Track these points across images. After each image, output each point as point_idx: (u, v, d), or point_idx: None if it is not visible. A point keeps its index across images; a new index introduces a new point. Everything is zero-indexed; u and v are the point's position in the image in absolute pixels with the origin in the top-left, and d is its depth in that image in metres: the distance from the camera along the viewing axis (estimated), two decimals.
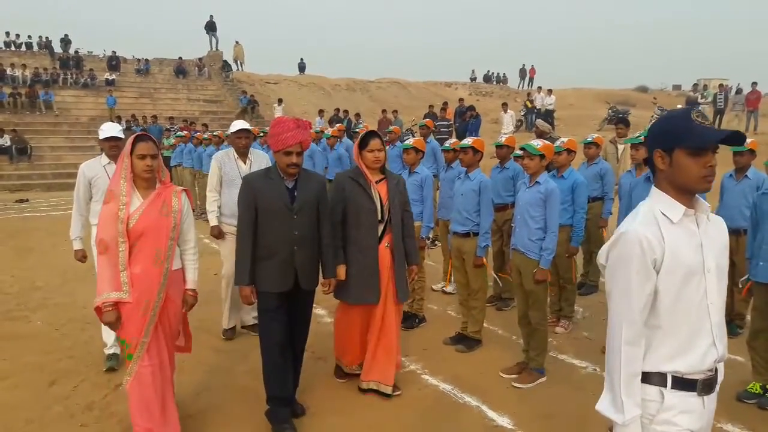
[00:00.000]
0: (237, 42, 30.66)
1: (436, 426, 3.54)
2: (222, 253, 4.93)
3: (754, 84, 18.19)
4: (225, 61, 29.20)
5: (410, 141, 5.31)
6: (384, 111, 18.96)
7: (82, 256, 4.26)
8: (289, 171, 3.33)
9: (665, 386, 1.69)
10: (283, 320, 3.41)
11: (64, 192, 14.85)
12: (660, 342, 1.69)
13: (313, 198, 3.45)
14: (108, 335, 4.19)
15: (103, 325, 3.33)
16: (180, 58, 29.32)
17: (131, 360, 3.01)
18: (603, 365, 4.35)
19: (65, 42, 29.29)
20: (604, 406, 1.74)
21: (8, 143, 18.58)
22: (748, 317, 4.57)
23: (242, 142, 4.76)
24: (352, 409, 3.71)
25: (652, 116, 17.91)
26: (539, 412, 3.66)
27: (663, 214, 1.70)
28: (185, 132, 14.05)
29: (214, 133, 11.44)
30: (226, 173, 4.74)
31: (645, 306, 1.68)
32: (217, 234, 4.84)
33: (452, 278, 5.81)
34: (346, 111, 19.85)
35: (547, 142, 4.22)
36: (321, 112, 20.49)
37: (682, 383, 1.69)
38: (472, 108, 17.44)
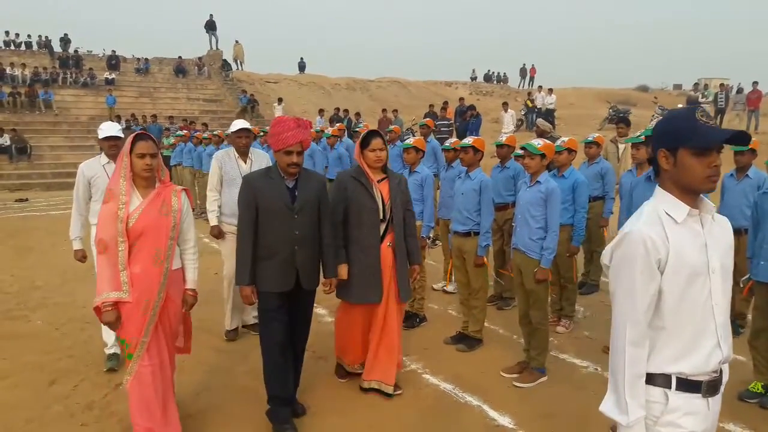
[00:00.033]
0: (237, 41, 30.68)
1: (436, 425, 3.53)
2: (223, 253, 4.92)
3: (755, 83, 18.21)
4: (225, 61, 29.18)
5: (410, 140, 5.31)
6: (384, 110, 18.94)
7: (82, 256, 4.25)
8: (289, 170, 3.32)
9: (669, 388, 1.68)
10: (284, 320, 3.40)
11: (64, 191, 14.84)
12: (664, 343, 1.68)
13: (314, 197, 3.44)
14: (108, 335, 4.18)
15: (102, 325, 3.31)
16: (180, 57, 29.32)
17: (131, 359, 3.01)
18: (604, 365, 4.36)
19: (65, 41, 29.27)
20: (608, 407, 1.73)
21: (8, 143, 18.57)
22: (750, 317, 4.56)
23: (243, 142, 4.75)
24: (353, 409, 3.71)
25: (653, 115, 17.91)
26: (540, 411, 3.65)
27: (667, 214, 1.69)
28: (185, 131, 14.04)
29: (214, 133, 11.44)
30: (227, 172, 4.73)
31: (649, 306, 1.66)
32: (217, 234, 4.83)
33: (453, 277, 5.81)
34: (346, 110, 19.83)
35: (547, 141, 4.21)
36: (321, 111, 20.48)
37: (687, 385, 1.68)
38: (472, 107, 17.43)
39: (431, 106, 19.12)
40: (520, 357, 4.28)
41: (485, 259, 4.53)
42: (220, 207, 4.78)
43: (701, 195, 1.72)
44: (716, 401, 1.74)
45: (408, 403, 3.79)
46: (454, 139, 6.40)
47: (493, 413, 3.64)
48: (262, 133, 9.74)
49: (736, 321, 4.87)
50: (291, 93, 28.36)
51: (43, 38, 29.11)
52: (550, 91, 20.82)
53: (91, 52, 30.01)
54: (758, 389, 3.74)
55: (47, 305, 5.97)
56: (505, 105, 18.82)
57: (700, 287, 1.67)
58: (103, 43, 55.63)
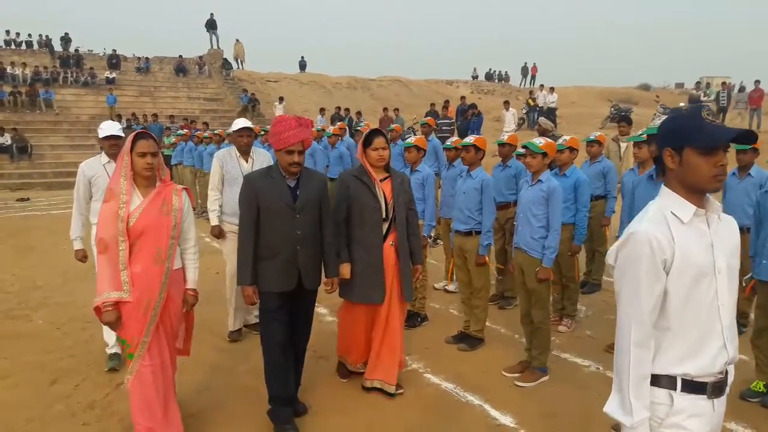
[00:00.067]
0: (237, 40, 30.67)
1: (438, 425, 3.52)
2: (224, 252, 4.91)
3: (757, 82, 18.18)
4: (225, 60, 29.19)
5: (412, 139, 5.30)
6: (385, 109, 18.92)
7: (83, 256, 4.24)
8: (291, 170, 3.31)
9: (675, 389, 1.67)
10: (285, 320, 3.39)
11: (65, 191, 14.85)
12: (669, 344, 1.67)
13: (315, 197, 3.43)
14: (109, 335, 4.17)
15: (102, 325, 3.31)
16: (180, 56, 29.32)
17: (132, 359, 3.00)
18: (606, 364, 4.36)
19: (65, 40, 29.29)
20: (612, 408, 1.71)
21: (9, 142, 18.57)
22: (752, 315, 4.55)
23: (244, 141, 4.74)
24: (354, 408, 3.70)
25: (655, 114, 17.90)
26: (542, 410, 3.64)
27: (673, 213, 1.68)
28: (186, 130, 14.05)
29: (215, 132, 11.44)
30: (228, 172, 4.72)
31: (654, 307, 1.65)
32: (218, 234, 4.83)
33: (454, 277, 5.80)
34: (347, 109, 19.83)
35: (549, 140, 4.20)
36: (322, 110, 20.47)
37: (692, 386, 1.66)
38: (473, 106, 17.42)
39: (432, 104, 19.13)
40: (521, 356, 4.27)
41: (487, 259, 4.52)
42: (221, 206, 4.78)
43: (707, 194, 1.71)
44: (721, 402, 1.72)
45: (409, 402, 3.79)
46: (455, 138, 6.39)
47: (494, 413, 3.64)
48: (263, 132, 9.73)
49: (739, 320, 4.86)
50: (292, 92, 28.35)
51: (44, 37, 29.13)
52: (552, 89, 20.81)
53: (92, 51, 30.06)
54: (760, 388, 3.73)
55: (48, 305, 5.97)
56: (506, 104, 18.81)
57: (707, 288, 1.66)
58: (104, 43, 55.88)
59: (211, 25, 28.99)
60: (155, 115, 20.14)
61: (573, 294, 5.14)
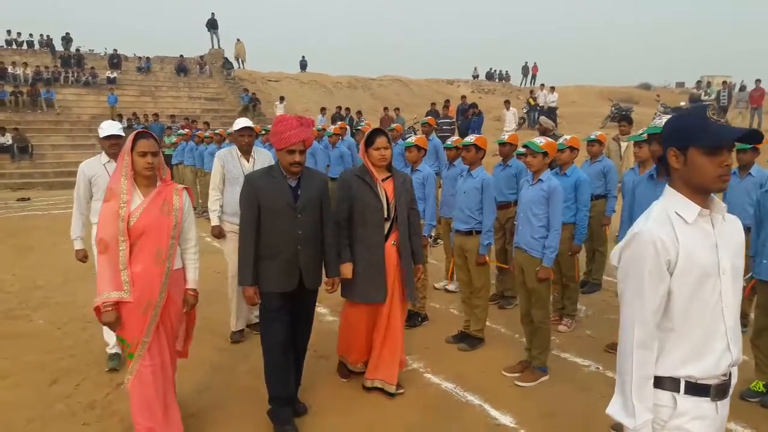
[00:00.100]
0: (238, 40, 30.68)
1: (438, 425, 3.52)
2: (225, 252, 4.90)
3: (758, 81, 18.15)
4: (226, 59, 29.19)
5: (412, 139, 5.30)
6: (386, 108, 18.92)
7: (84, 256, 4.24)
8: (292, 169, 3.31)
9: (678, 391, 1.65)
10: (286, 320, 3.39)
11: (66, 190, 14.84)
12: (673, 345, 1.66)
13: (316, 196, 3.42)
14: (109, 335, 4.17)
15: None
16: (181, 56, 29.34)
17: (132, 359, 3.00)
18: (606, 364, 4.35)
19: (66, 40, 29.30)
20: (615, 409, 1.70)
21: (10, 142, 18.58)
22: (752, 315, 4.55)
23: (245, 140, 4.74)
24: (354, 408, 3.70)
25: (656, 113, 17.87)
26: (542, 410, 3.64)
27: (677, 214, 1.66)
28: (186, 130, 14.05)
29: (216, 131, 11.45)
30: (229, 171, 4.71)
31: (658, 308, 1.64)
32: (218, 234, 4.82)
33: (454, 276, 5.80)
34: (347, 109, 19.83)
35: (549, 139, 4.20)
36: (323, 109, 20.46)
37: (696, 388, 1.65)
38: (474, 105, 17.40)
39: (433, 104, 19.11)
40: (521, 356, 4.27)
41: (487, 258, 4.52)
42: (221, 206, 4.77)
43: (711, 194, 1.69)
44: (724, 405, 1.71)
45: (409, 402, 3.79)
46: (456, 138, 6.38)
47: (494, 412, 3.64)
48: (263, 132, 9.74)
49: (741, 320, 4.85)
50: (293, 91, 28.34)
51: (45, 37, 29.14)
52: (552, 89, 20.79)
53: (93, 51, 30.07)
54: (760, 388, 3.73)
55: (49, 305, 5.97)
56: (507, 103, 18.81)
57: (711, 289, 1.64)
58: (105, 42, 55.91)
59: (212, 25, 29.00)
60: (156, 115, 20.15)
61: (573, 293, 5.14)
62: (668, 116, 3.52)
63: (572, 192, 4.86)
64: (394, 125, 9.95)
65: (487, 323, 4.77)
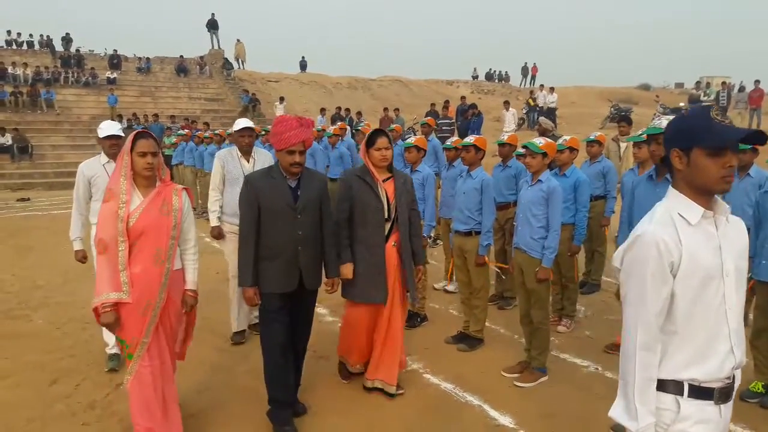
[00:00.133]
0: (238, 40, 30.69)
1: (437, 425, 3.53)
2: (226, 253, 4.89)
3: (757, 82, 18.17)
4: (226, 60, 29.19)
5: (412, 139, 5.31)
6: (385, 109, 18.93)
7: (83, 257, 4.23)
8: (292, 170, 3.31)
9: (681, 395, 1.64)
10: (285, 321, 3.39)
11: (66, 191, 14.83)
12: (676, 348, 1.64)
13: (316, 197, 3.43)
14: (109, 335, 4.16)
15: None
16: (181, 56, 29.33)
17: (131, 360, 3.00)
18: (605, 364, 4.35)
19: (66, 41, 29.30)
20: (617, 412, 1.68)
21: (10, 142, 18.58)
22: (751, 316, 4.55)
23: (246, 141, 4.74)
24: (354, 409, 3.70)
25: (655, 114, 17.87)
26: (541, 411, 3.65)
27: (680, 215, 1.65)
28: (186, 130, 14.06)
29: (215, 132, 11.45)
30: (230, 171, 4.71)
31: (661, 310, 1.62)
32: (217, 235, 4.82)
33: (454, 277, 5.81)
34: (347, 109, 19.84)
35: (549, 140, 4.20)
36: (323, 110, 20.46)
37: (699, 392, 1.63)
38: (474, 106, 17.41)
39: (433, 104, 19.12)
40: (521, 356, 4.28)
41: (486, 259, 4.52)
42: (221, 207, 4.77)
43: (715, 196, 1.68)
44: (728, 408, 1.69)
45: (409, 402, 3.79)
46: (455, 138, 6.39)
47: (493, 413, 3.64)
48: (263, 133, 9.74)
49: None
50: (292, 92, 28.35)
51: (45, 38, 29.14)
52: (552, 89, 20.80)
53: (93, 51, 30.08)
54: (759, 389, 3.74)
55: (48, 305, 5.97)
56: (506, 104, 18.80)
57: (714, 291, 1.63)
58: (105, 43, 55.93)
59: (212, 25, 29.01)
60: (156, 116, 20.14)
61: (572, 294, 5.15)
62: (667, 117, 3.53)
63: (571, 193, 4.87)
64: (393, 126, 9.96)
65: (487, 324, 4.78)
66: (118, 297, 2.88)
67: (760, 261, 3.79)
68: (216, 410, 3.69)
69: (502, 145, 5.61)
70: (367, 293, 3.71)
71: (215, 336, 4.91)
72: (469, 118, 16.66)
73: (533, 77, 33.65)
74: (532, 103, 20.96)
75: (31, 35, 29.34)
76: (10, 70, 23.00)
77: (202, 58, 29.52)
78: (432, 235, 6.06)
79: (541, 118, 10.10)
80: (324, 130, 10.36)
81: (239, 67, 30.26)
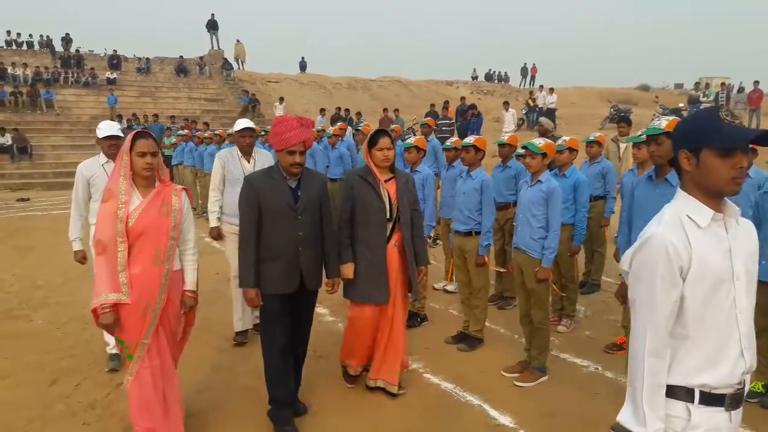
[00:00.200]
0: (238, 41, 30.70)
1: (437, 425, 3.53)
2: (226, 253, 4.88)
3: (756, 83, 18.19)
4: (226, 60, 29.20)
5: (412, 140, 5.31)
6: (385, 110, 18.95)
7: (82, 257, 4.22)
8: (292, 170, 3.30)
9: (692, 402, 1.60)
10: (286, 321, 3.39)
11: (65, 191, 14.83)
12: (687, 353, 1.61)
13: (316, 197, 3.42)
14: (109, 335, 4.17)
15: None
16: (181, 56, 29.33)
17: (131, 360, 2.99)
18: (605, 364, 4.35)
19: (66, 41, 29.31)
20: (625, 417, 1.65)
21: (9, 142, 18.58)
22: None
23: (246, 141, 4.73)
24: (354, 408, 3.71)
25: (654, 115, 17.89)
26: (541, 410, 3.65)
27: (690, 218, 1.61)
28: (186, 131, 14.06)
29: (215, 132, 11.46)
30: (230, 172, 4.70)
31: (670, 314, 1.59)
32: (216, 236, 4.81)
33: (454, 277, 5.81)
34: (347, 110, 19.84)
35: (549, 140, 4.21)
36: (322, 110, 20.48)
37: (710, 398, 1.60)
38: (473, 106, 17.43)
39: (432, 105, 19.14)
40: (521, 356, 4.28)
41: (486, 259, 4.53)
42: (221, 207, 4.77)
43: (725, 198, 1.65)
44: (738, 414, 1.66)
45: (409, 402, 3.79)
46: (455, 139, 6.39)
47: (493, 412, 3.65)
48: (263, 133, 9.74)
49: None
50: (292, 92, 28.37)
51: (45, 38, 29.14)
52: (552, 90, 20.83)
53: (93, 51, 30.07)
54: (759, 389, 3.74)
55: (49, 305, 5.98)
56: (506, 104, 18.81)
57: (725, 294, 1.60)
58: (105, 43, 55.92)
59: (211, 26, 29.03)
60: (156, 116, 20.15)
61: (572, 294, 5.15)
62: (667, 117, 3.53)
63: (571, 193, 4.87)
64: (393, 126, 9.97)
65: (487, 324, 4.78)
66: (117, 298, 2.87)
67: (760, 261, 3.78)
68: (216, 410, 3.69)
69: (502, 145, 5.62)
70: (369, 293, 3.71)
71: (215, 336, 4.91)
72: (468, 119, 16.68)
73: (533, 78, 33.68)
74: (531, 104, 20.99)
75: (30, 35, 29.37)
76: (9, 70, 23.01)
77: (201, 58, 29.52)
78: (432, 235, 6.06)
79: (542, 119, 10.10)
80: (324, 130, 10.36)
81: (239, 68, 30.27)
